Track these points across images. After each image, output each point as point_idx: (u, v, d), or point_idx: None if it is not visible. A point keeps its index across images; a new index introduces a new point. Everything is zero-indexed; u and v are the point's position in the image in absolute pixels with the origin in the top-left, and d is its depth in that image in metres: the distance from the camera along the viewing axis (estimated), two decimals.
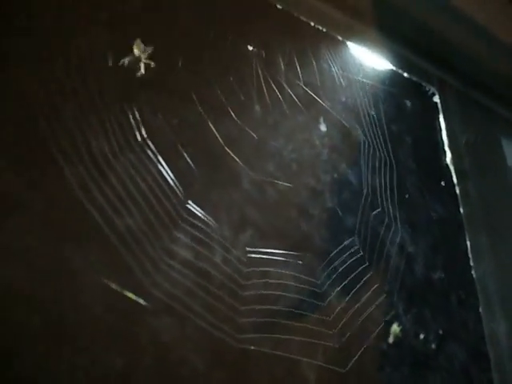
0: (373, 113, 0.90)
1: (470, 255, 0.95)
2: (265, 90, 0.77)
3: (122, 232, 0.56)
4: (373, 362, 0.74)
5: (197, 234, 0.62)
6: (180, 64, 0.69)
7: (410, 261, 0.86)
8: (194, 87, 0.69)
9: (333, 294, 0.71)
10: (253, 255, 0.67)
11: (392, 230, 0.83)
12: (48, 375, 0.50)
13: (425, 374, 0.79)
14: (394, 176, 0.85)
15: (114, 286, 0.54)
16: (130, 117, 0.61)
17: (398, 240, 0.84)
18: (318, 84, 0.85)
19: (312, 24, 0.90)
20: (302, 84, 0.82)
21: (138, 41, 0.65)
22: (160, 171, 0.61)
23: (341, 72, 0.90)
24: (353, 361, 0.68)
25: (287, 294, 0.68)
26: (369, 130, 0.87)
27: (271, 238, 0.70)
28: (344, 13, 0.95)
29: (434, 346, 0.82)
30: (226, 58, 0.75)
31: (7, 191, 0.52)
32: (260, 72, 0.77)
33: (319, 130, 0.82)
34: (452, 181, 1.01)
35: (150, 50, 0.66)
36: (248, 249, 0.67)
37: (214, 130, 0.69)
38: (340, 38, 0.95)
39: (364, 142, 0.85)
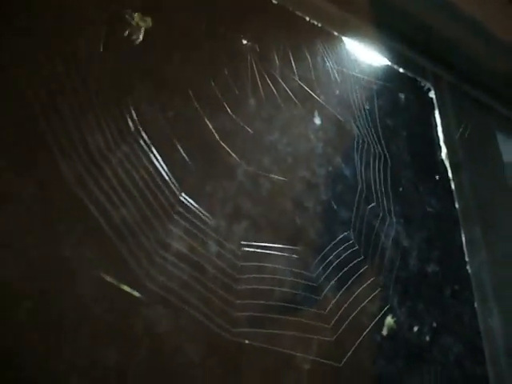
0: (367, 107, 0.90)
1: (464, 249, 0.95)
2: (259, 84, 0.77)
3: (118, 225, 0.56)
4: (367, 354, 0.74)
5: (191, 227, 0.62)
6: (175, 58, 0.69)
7: (405, 254, 0.86)
8: (189, 81, 0.69)
9: (328, 287, 0.71)
10: (248, 249, 0.67)
11: (387, 223, 0.83)
12: (43, 363, 0.50)
13: (419, 366, 0.80)
14: (388, 170, 0.86)
15: (108, 278, 0.54)
16: (125, 110, 0.61)
17: (392, 234, 0.84)
18: (313, 78, 0.85)
19: (307, 19, 0.90)
20: (296, 78, 0.82)
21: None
22: (155, 165, 0.61)
23: (336, 67, 0.90)
24: (348, 354, 0.68)
25: (282, 289, 0.68)
26: (363, 125, 0.87)
27: (266, 231, 0.70)
28: (339, 8, 0.95)
29: (428, 338, 0.82)
30: (221, 52, 0.75)
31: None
32: (255, 66, 0.77)
33: (314, 123, 0.82)
34: (447, 175, 1.01)
35: (149, 20, 0.66)
36: (243, 242, 0.67)
37: (209, 124, 0.69)
38: (335, 33, 0.95)
39: (358, 137, 0.86)
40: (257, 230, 0.69)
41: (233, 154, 0.69)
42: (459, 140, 1.05)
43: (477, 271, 0.94)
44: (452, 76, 1.12)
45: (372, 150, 0.86)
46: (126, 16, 0.66)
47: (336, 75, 0.89)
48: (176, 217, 0.61)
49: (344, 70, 0.91)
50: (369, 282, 0.75)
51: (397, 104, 1.02)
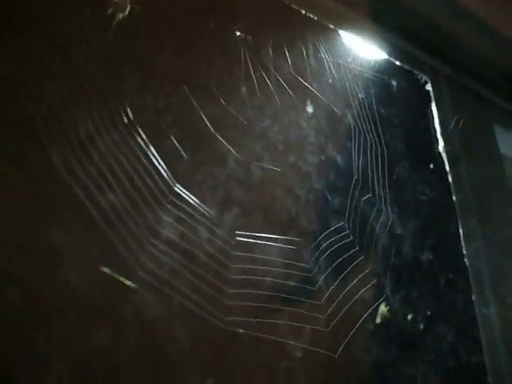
0: (362, 96, 0.90)
1: (461, 240, 0.95)
2: (252, 74, 0.77)
3: (107, 211, 0.56)
4: (361, 343, 0.74)
5: (183, 214, 0.62)
6: (167, 47, 0.69)
7: (400, 243, 0.85)
8: (181, 70, 0.69)
9: (323, 277, 0.71)
10: (241, 238, 0.67)
11: (382, 213, 0.83)
12: (32, 351, 0.50)
13: (413, 354, 0.79)
14: (384, 160, 0.85)
15: (99, 265, 0.54)
16: (117, 98, 0.61)
17: (388, 223, 0.83)
18: (308, 70, 0.85)
19: (303, 12, 0.90)
20: (290, 70, 0.82)
21: None
22: (146, 153, 0.61)
23: (331, 59, 0.90)
24: (343, 344, 0.68)
25: (276, 280, 0.68)
26: (358, 115, 0.87)
27: (258, 218, 0.70)
28: (336, 1, 0.95)
29: (422, 326, 0.82)
30: (214, 43, 0.74)
31: None
32: (248, 58, 0.77)
33: (306, 111, 0.82)
34: (443, 166, 1.01)
35: None
36: (236, 232, 0.67)
37: (201, 113, 0.69)
38: (331, 27, 0.95)
39: (354, 127, 0.85)
40: (250, 218, 0.69)
41: (224, 142, 0.69)
42: (456, 132, 1.05)
43: (473, 261, 0.94)
44: (447, 67, 1.11)
45: (368, 140, 0.86)
46: None
47: (331, 67, 0.89)
48: (167, 204, 0.61)
49: (340, 61, 0.91)
50: (364, 272, 0.74)
51: (393, 97, 1.01)
